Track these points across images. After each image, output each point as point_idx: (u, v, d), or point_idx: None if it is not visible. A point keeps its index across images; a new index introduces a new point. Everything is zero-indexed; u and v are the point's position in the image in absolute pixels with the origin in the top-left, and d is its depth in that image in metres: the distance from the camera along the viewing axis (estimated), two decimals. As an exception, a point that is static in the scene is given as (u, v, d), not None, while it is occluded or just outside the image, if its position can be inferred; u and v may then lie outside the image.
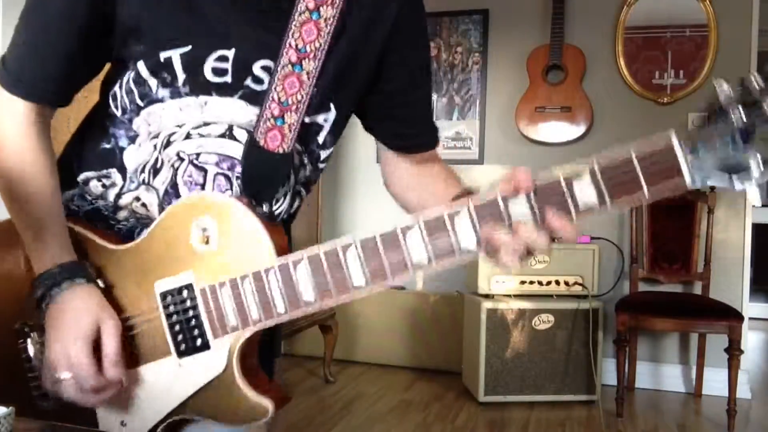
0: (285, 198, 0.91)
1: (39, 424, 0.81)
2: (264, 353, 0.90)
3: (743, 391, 3.46)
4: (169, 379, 0.84)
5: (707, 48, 3.58)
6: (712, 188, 3.42)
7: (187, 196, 0.85)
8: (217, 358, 0.82)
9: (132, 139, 0.87)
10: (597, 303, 3.28)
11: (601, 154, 0.68)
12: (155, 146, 0.86)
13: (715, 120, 0.62)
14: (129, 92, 0.85)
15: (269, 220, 0.83)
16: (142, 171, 0.87)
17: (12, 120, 0.83)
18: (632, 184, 0.66)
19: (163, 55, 0.81)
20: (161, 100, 0.84)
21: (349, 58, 0.88)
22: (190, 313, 0.82)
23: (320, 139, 0.92)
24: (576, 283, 3.31)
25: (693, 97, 3.61)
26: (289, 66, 0.84)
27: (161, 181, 0.87)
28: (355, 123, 1.03)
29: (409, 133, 1.01)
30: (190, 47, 0.81)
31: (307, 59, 0.84)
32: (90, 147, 0.91)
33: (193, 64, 0.82)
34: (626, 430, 3.06)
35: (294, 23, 0.83)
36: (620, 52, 3.69)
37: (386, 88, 0.96)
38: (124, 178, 0.88)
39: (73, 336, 0.80)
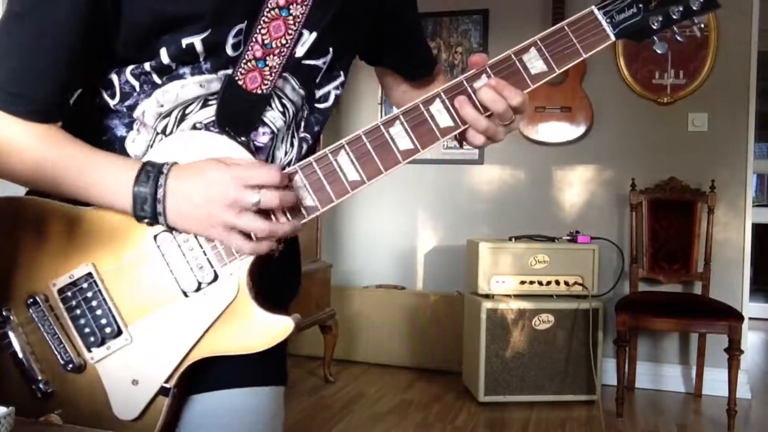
0: (292, 147, 0.92)
1: (39, 424, 0.81)
2: (279, 284, 0.90)
3: (743, 391, 3.46)
4: (181, 321, 0.82)
5: (707, 48, 3.58)
6: (712, 188, 3.42)
7: (172, 137, 0.84)
8: (227, 287, 0.81)
9: (129, 126, 0.85)
10: (597, 303, 3.28)
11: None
12: (167, 122, 0.85)
13: None
14: (142, 74, 0.83)
15: (248, 148, 0.84)
16: (145, 155, 0.86)
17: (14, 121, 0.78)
18: (569, 46, 0.85)
19: (185, 42, 0.80)
20: (182, 77, 0.83)
21: (335, 6, 0.89)
22: (192, 246, 0.81)
23: (317, 79, 0.93)
24: (576, 283, 3.31)
25: (693, 97, 3.60)
26: (276, 9, 0.84)
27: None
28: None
29: (415, 55, 1.09)
30: (210, 31, 0.81)
31: (294, 4, 0.85)
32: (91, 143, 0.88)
33: (214, 46, 0.82)
34: (626, 430, 3.06)
35: None
36: (620, 52, 3.69)
37: (389, 19, 1.01)
38: None
39: (218, 172, 0.77)
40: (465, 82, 0.84)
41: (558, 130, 3.76)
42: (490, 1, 3.94)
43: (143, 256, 0.83)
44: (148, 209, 0.78)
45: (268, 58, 0.85)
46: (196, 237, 0.81)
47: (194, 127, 0.85)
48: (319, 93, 0.94)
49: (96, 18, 0.78)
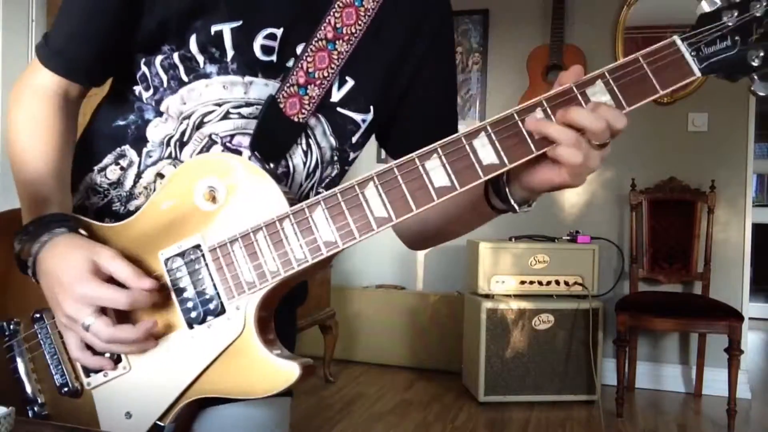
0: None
1: (39, 424, 0.80)
2: (282, 328, 0.84)
3: (743, 391, 3.46)
4: (180, 355, 0.77)
5: (707, 48, 3.57)
6: (712, 188, 3.42)
7: (187, 161, 0.83)
8: (233, 321, 0.76)
9: (158, 114, 0.86)
10: (597, 303, 3.28)
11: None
12: (186, 125, 0.85)
13: (709, 24, 0.69)
14: (169, 68, 0.84)
15: (275, 176, 0.81)
16: (168, 144, 0.86)
17: (31, 90, 0.85)
18: (642, 81, 0.70)
19: (214, 29, 0.80)
20: (208, 76, 0.83)
21: (392, 63, 0.90)
22: (200, 276, 0.77)
23: (354, 138, 0.92)
24: (576, 283, 3.31)
25: (693, 97, 3.60)
26: (324, 41, 0.84)
27: (188, 155, 0.85)
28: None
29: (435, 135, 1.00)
30: (241, 22, 0.81)
31: (341, 40, 0.85)
32: (103, 127, 0.90)
33: (243, 40, 0.81)
34: (626, 430, 3.06)
35: (338, 3, 0.85)
36: (620, 52, 3.69)
37: (418, 96, 0.95)
38: (139, 153, 0.87)
39: (73, 278, 0.73)
40: (516, 115, 0.71)
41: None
42: (490, 1, 3.94)
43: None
44: (15, 251, 0.78)
45: (309, 87, 0.85)
46: (204, 267, 0.77)
47: (210, 138, 0.84)
48: (351, 154, 0.93)
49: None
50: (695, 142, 3.61)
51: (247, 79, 0.83)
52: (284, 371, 0.75)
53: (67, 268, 0.74)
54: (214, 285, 0.77)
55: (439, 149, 0.72)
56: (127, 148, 0.87)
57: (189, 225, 0.78)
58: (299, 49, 0.84)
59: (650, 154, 3.64)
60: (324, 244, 0.74)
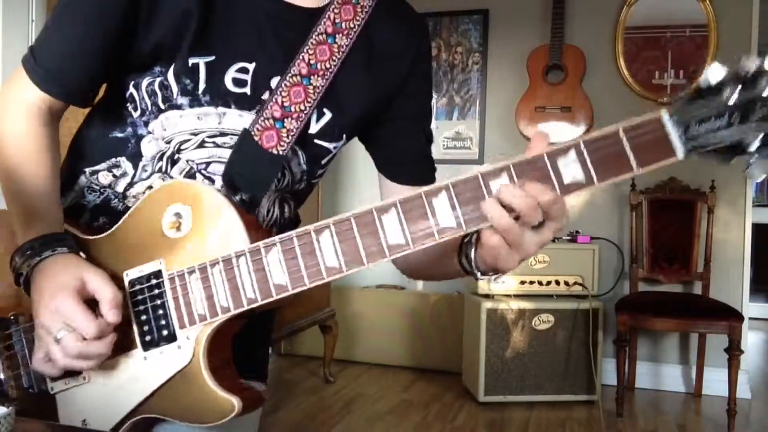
0: (275, 208, 0.91)
1: (39, 424, 0.81)
2: (250, 348, 0.88)
3: (743, 391, 3.46)
4: (134, 374, 0.81)
5: (707, 48, 3.58)
6: (712, 188, 3.42)
7: (162, 184, 0.84)
8: (183, 350, 0.79)
9: (150, 132, 0.88)
10: (597, 303, 3.28)
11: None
12: (168, 148, 0.88)
13: (706, 97, 0.61)
14: (151, 94, 0.86)
15: (246, 209, 0.82)
16: (160, 159, 0.88)
17: (17, 106, 0.85)
18: (619, 156, 0.64)
19: (191, 61, 0.83)
20: (180, 107, 0.85)
21: (357, 93, 0.92)
22: (158, 301, 0.79)
23: (323, 161, 0.95)
24: (576, 283, 3.31)
25: (693, 97, 3.60)
26: (298, 77, 0.87)
27: (179, 171, 0.88)
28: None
29: (404, 162, 1.01)
30: (213, 57, 0.83)
31: (316, 75, 0.88)
32: (98, 135, 0.91)
33: (215, 73, 0.84)
34: (626, 430, 3.06)
35: (311, 40, 0.88)
36: (620, 52, 3.69)
37: (390, 122, 0.98)
38: (135, 167, 0.89)
39: (56, 293, 0.75)
40: (480, 178, 0.67)
41: (558, 130, 3.76)
42: (490, 1, 3.94)
43: None
44: (16, 266, 0.80)
45: (286, 120, 0.87)
46: (163, 293, 0.79)
47: (187, 163, 0.87)
48: (319, 172, 0.97)
49: (127, 21, 0.82)
50: (695, 142, 3.60)
51: (221, 110, 0.86)
52: (225, 404, 0.77)
53: (55, 281, 0.77)
54: (169, 313, 0.79)
55: (398, 204, 0.69)
56: (122, 160, 0.89)
57: (154, 250, 0.81)
58: (274, 83, 0.87)
59: (650, 154, 3.64)
60: (274, 287, 0.74)
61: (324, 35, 0.88)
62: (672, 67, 3.64)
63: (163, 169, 0.88)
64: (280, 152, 0.87)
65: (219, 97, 0.85)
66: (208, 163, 0.87)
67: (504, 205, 0.66)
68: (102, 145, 0.91)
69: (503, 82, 3.92)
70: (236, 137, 0.86)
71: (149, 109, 0.87)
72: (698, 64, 3.59)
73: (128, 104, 0.88)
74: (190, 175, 0.88)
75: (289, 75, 0.87)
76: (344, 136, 0.94)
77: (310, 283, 0.73)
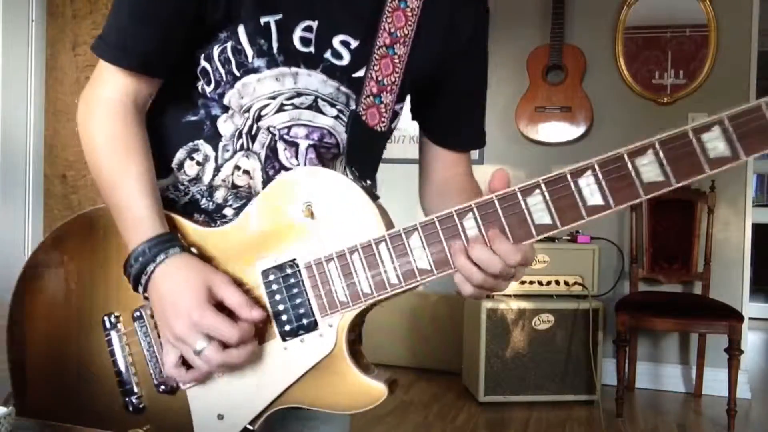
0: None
1: (39, 424, 0.81)
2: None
3: (743, 391, 3.46)
4: (273, 365, 0.80)
5: (707, 48, 3.58)
6: (712, 188, 3.42)
7: (287, 173, 0.83)
8: (325, 338, 0.78)
9: (224, 109, 0.87)
10: (597, 303, 3.28)
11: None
12: (247, 117, 0.86)
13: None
14: (225, 62, 0.84)
15: (371, 195, 0.80)
16: (240, 136, 0.87)
17: (101, 108, 0.83)
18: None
19: (263, 20, 0.81)
20: (257, 70, 0.84)
21: (432, 54, 0.92)
22: (295, 290, 0.79)
23: (393, 125, 0.95)
24: (576, 283, 3.31)
25: (693, 97, 3.60)
26: (384, 48, 0.87)
27: (260, 145, 0.87)
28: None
29: (459, 129, 1.03)
30: (281, 15, 0.82)
31: (398, 44, 0.88)
32: (172, 123, 0.90)
33: (285, 32, 0.83)
34: (626, 430, 3.06)
35: (387, 8, 0.87)
36: (620, 52, 3.69)
37: (450, 85, 0.98)
38: (215, 148, 0.87)
39: (190, 303, 0.75)
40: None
41: (558, 130, 3.76)
42: (491, 1, 3.93)
43: (248, 291, 0.81)
44: (133, 272, 0.80)
45: (382, 95, 0.88)
46: (299, 282, 0.79)
47: (269, 132, 0.86)
48: (389, 136, 0.96)
49: None
50: (695, 142, 3.60)
51: (293, 69, 0.84)
52: (373, 391, 0.79)
53: (184, 291, 0.76)
54: (308, 301, 0.79)
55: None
56: (201, 143, 0.88)
57: (285, 239, 0.79)
58: (335, 41, 0.85)
59: (650, 154, 3.63)
60: (418, 272, 0.75)
61: (396, 1, 0.87)
62: (672, 67, 3.64)
63: (245, 146, 0.86)
64: (383, 129, 0.89)
65: (291, 56, 0.83)
66: (289, 128, 0.86)
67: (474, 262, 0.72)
68: (175, 132, 0.89)
69: (503, 82, 3.92)
70: (310, 97, 0.86)
71: (224, 78, 0.85)
72: (698, 64, 3.60)
73: (200, 81, 0.87)
74: (272, 146, 0.87)
75: (376, 48, 0.86)
76: (408, 96, 0.94)
77: (455, 266, 0.74)
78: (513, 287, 3.29)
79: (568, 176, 0.69)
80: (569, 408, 3.25)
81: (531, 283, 3.31)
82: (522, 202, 0.71)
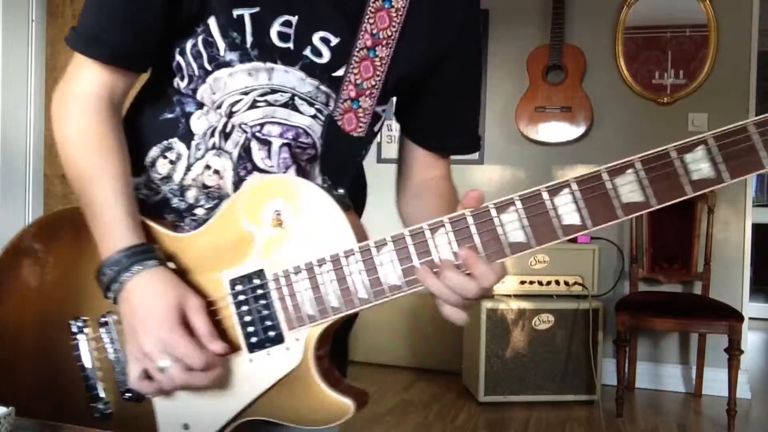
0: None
1: (39, 424, 0.80)
2: (334, 354, 0.84)
3: (743, 391, 3.46)
4: (239, 377, 0.78)
5: (707, 48, 3.58)
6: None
7: (256, 179, 0.81)
8: (291, 351, 0.76)
9: (199, 105, 0.85)
10: (597, 303, 3.28)
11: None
12: (221, 114, 0.84)
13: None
14: (197, 56, 0.82)
15: (343, 205, 0.78)
16: (212, 135, 0.85)
17: (76, 103, 0.81)
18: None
19: (236, 12, 0.79)
20: (229, 64, 0.81)
21: (417, 57, 0.89)
22: (262, 302, 0.77)
23: (375, 128, 0.92)
24: (576, 283, 3.31)
25: (693, 97, 3.60)
26: (365, 50, 0.84)
27: (233, 144, 0.85)
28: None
29: (445, 133, 0.99)
30: (258, 8, 0.79)
31: (380, 46, 0.84)
32: (148, 121, 0.88)
33: (260, 26, 0.80)
34: (626, 430, 3.06)
35: (369, 8, 0.83)
36: (620, 52, 3.69)
37: (436, 87, 0.95)
38: (188, 147, 0.86)
39: (160, 321, 0.74)
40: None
41: (558, 130, 3.76)
42: (490, 1, 3.94)
43: (215, 300, 0.79)
44: (105, 280, 0.78)
45: (360, 99, 0.85)
46: (267, 294, 0.77)
47: (241, 130, 0.84)
48: (371, 139, 0.93)
49: None
50: (695, 142, 3.60)
51: (269, 65, 0.82)
52: (338, 407, 0.76)
53: (155, 307, 0.75)
54: (275, 314, 0.77)
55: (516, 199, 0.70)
56: (175, 141, 0.86)
57: (253, 248, 0.77)
58: (315, 38, 0.82)
59: (650, 154, 3.64)
60: (389, 288, 0.73)
61: (380, 1, 0.84)
62: (672, 67, 3.64)
63: (217, 144, 0.85)
64: (360, 134, 0.86)
65: (266, 51, 0.81)
66: (262, 125, 0.84)
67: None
68: (150, 130, 0.87)
69: (503, 82, 3.92)
70: (287, 94, 0.83)
71: (196, 73, 0.83)
72: (698, 64, 3.59)
73: (175, 78, 0.85)
74: (246, 145, 0.84)
75: (356, 50, 0.83)
76: (393, 99, 0.91)
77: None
78: (513, 287, 3.30)
79: (545, 194, 0.67)
80: (569, 408, 3.25)
81: (531, 283, 3.31)
82: (496, 219, 0.69)
